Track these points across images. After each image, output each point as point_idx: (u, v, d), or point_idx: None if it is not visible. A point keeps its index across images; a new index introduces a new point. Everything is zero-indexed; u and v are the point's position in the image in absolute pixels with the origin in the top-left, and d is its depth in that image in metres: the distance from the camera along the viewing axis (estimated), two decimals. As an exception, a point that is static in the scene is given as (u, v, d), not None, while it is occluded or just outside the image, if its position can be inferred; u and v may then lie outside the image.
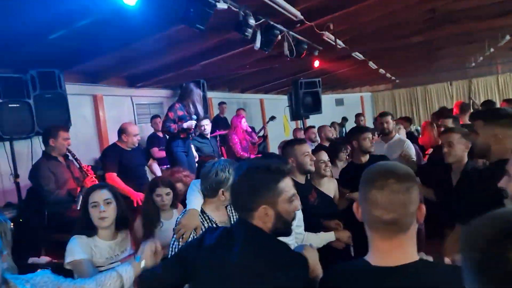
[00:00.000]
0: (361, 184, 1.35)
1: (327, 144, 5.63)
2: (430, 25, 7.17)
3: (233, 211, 2.51)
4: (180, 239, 2.31)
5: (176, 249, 2.32)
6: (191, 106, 5.38)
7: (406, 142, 4.90)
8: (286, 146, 3.30)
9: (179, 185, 3.81)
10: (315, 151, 3.51)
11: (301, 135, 7.37)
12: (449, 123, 4.79)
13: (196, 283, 1.67)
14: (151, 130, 6.99)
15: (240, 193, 1.62)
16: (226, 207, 2.51)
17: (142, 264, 2.13)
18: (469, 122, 5.20)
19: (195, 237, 2.26)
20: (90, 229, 2.45)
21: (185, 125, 5.13)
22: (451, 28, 7.23)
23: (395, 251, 1.29)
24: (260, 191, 1.57)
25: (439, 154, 3.55)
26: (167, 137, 6.82)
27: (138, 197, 4.25)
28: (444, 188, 3.34)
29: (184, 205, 3.62)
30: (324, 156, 3.53)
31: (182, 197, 3.76)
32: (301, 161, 3.10)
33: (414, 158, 4.73)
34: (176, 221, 2.44)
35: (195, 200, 2.45)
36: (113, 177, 4.56)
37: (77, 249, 2.37)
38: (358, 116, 9.82)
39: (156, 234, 3.18)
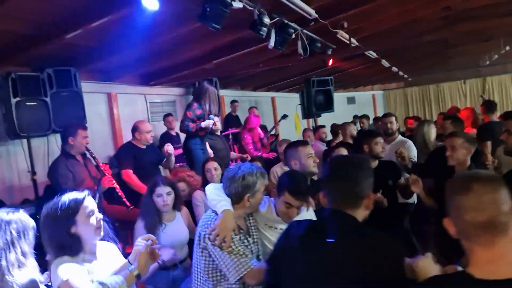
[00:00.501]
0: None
1: (350, 141, 5.60)
2: (445, 23, 7.10)
3: (251, 222, 2.41)
4: (223, 244, 2.15)
5: (221, 257, 2.17)
6: (206, 104, 5.39)
7: (407, 143, 4.85)
8: (289, 148, 3.20)
9: (182, 185, 3.82)
10: (336, 148, 3.52)
11: (311, 135, 7.35)
12: (447, 123, 4.77)
13: (285, 269, 1.75)
14: (165, 128, 7.03)
15: (353, 183, 1.68)
16: (244, 218, 2.41)
17: (136, 272, 2.11)
18: (497, 120, 5.17)
19: (233, 238, 2.17)
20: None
21: (203, 124, 5.15)
22: (466, 26, 7.14)
23: (500, 261, 1.22)
24: (369, 179, 1.71)
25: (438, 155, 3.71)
26: (180, 135, 6.87)
27: None
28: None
29: (189, 207, 3.64)
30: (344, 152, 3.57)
31: (186, 199, 3.80)
32: (304, 163, 3.05)
33: (414, 158, 4.65)
34: (201, 228, 2.27)
35: (226, 201, 2.28)
36: (129, 174, 4.59)
37: None
38: (361, 118, 9.47)
39: (158, 237, 3.07)
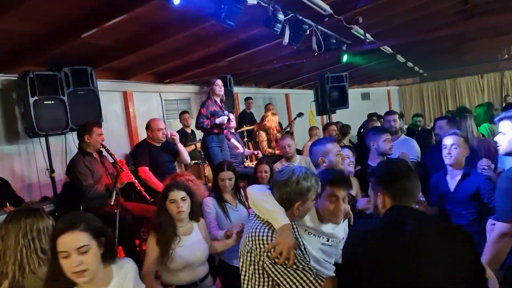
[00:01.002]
0: None
1: None
2: (461, 17, 6.99)
3: (295, 230, 2.17)
4: (286, 262, 1.91)
5: (285, 275, 1.93)
6: (218, 101, 5.38)
7: (411, 142, 4.77)
8: (317, 144, 3.11)
9: None
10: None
11: (318, 133, 7.29)
12: (443, 124, 4.70)
13: (383, 274, 1.70)
14: (180, 126, 7.07)
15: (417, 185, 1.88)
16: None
17: None
18: None
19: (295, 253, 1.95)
20: None
21: (217, 120, 5.16)
22: (483, 20, 7.02)
23: None
24: None
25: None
26: (195, 133, 6.91)
27: None
28: (440, 190, 3.47)
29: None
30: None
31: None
32: (333, 160, 3.01)
33: (418, 158, 4.58)
34: (253, 242, 1.99)
35: (280, 212, 2.02)
36: (145, 171, 4.63)
37: None
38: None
39: (174, 252, 2.78)
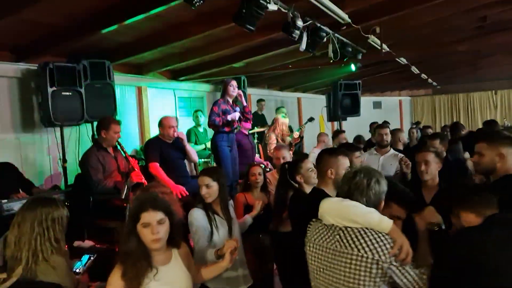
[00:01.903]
0: None
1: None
2: (479, 33, 6.98)
3: None
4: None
5: (409, 275, 1.87)
6: (230, 101, 5.44)
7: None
8: (328, 154, 2.93)
9: None
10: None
11: (326, 139, 7.19)
12: (437, 143, 4.64)
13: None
14: (193, 124, 7.12)
15: None
16: None
17: None
18: None
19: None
20: None
21: (229, 117, 5.21)
22: (500, 37, 7.01)
23: None
24: None
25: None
26: (207, 131, 6.95)
27: (178, 189, 4.33)
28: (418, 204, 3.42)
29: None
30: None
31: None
32: (341, 175, 2.78)
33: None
34: (374, 252, 1.86)
35: (378, 213, 1.99)
36: (156, 167, 4.66)
37: None
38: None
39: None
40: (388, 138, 4.83)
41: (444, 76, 12.47)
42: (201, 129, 7.06)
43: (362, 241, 1.89)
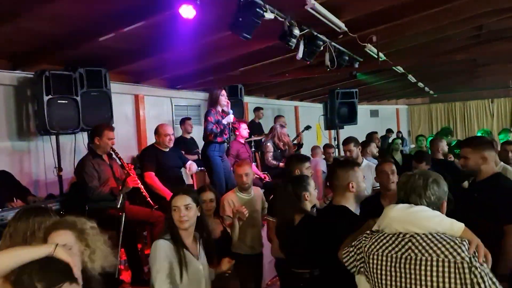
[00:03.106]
0: None
1: (441, 157, 5.39)
2: (476, 42, 7.02)
3: None
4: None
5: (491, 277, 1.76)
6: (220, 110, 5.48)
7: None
8: (343, 167, 2.71)
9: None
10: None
11: (319, 152, 7.19)
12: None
13: None
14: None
15: None
16: None
17: None
18: None
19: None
20: None
21: (224, 121, 5.27)
22: (497, 46, 7.05)
23: None
24: None
25: None
26: (195, 140, 6.92)
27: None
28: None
29: None
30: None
31: None
32: (361, 187, 2.70)
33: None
34: (465, 254, 1.76)
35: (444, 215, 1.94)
36: (151, 176, 4.66)
37: None
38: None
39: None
40: (352, 154, 4.74)
41: (440, 84, 12.54)
42: (188, 137, 6.98)
43: (440, 245, 1.81)
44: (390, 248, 1.92)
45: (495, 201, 2.80)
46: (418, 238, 1.86)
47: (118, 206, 3.60)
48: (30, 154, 4.95)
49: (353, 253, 2.07)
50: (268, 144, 6.56)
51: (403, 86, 11.20)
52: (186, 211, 2.56)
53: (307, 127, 8.12)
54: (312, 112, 11.02)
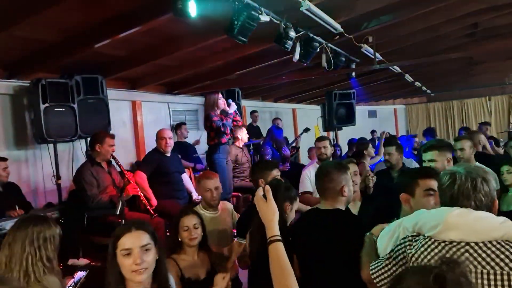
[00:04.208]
0: None
1: (480, 150, 5.28)
2: (471, 39, 7.03)
3: None
4: None
5: None
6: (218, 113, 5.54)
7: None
8: (338, 170, 2.53)
9: None
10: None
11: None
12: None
13: None
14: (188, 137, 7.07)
15: None
16: None
17: None
18: None
19: None
20: None
21: (230, 109, 5.43)
22: (492, 44, 7.06)
23: None
24: None
25: None
26: (192, 146, 6.93)
27: (154, 204, 4.34)
28: None
29: None
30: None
31: None
32: (352, 192, 2.59)
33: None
34: None
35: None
36: (141, 175, 4.61)
37: None
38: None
39: None
40: (327, 151, 4.48)
41: (437, 83, 12.55)
42: (185, 142, 6.98)
43: (502, 256, 1.59)
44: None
45: None
46: (476, 248, 1.64)
47: (117, 213, 3.58)
48: (28, 163, 4.93)
49: (391, 266, 1.81)
50: (266, 146, 6.57)
51: (400, 86, 11.20)
52: (143, 254, 1.87)
53: (306, 129, 8.12)
54: (310, 114, 11.03)
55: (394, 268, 1.79)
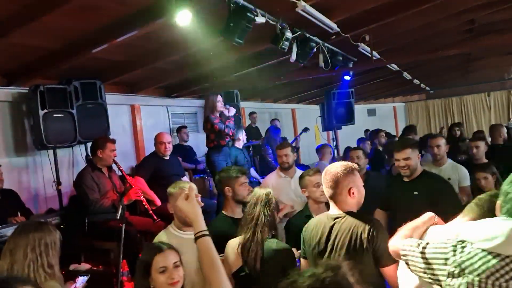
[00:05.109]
0: None
1: (501, 143, 5.38)
2: (469, 36, 7.03)
3: None
4: None
5: None
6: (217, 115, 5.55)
7: None
8: (347, 172, 2.44)
9: None
10: None
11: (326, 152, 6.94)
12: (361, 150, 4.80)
13: None
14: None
15: None
16: None
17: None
18: None
19: None
20: None
21: (230, 113, 5.47)
22: (490, 39, 7.05)
23: None
24: None
25: None
26: (193, 148, 6.94)
27: (159, 204, 4.33)
28: None
29: None
30: None
31: None
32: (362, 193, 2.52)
33: None
34: None
35: None
36: (139, 180, 4.61)
37: None
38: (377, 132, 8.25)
39: None
40: (289, 159, 4.26)
41: (436, 80, 12.55)
42: (186, 146, 7.00)
43: None
44: (498, 274, 1.50)
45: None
46: None
47: (118, 218, 3.58)
48: (28, 170, 4.94)
49: (421, 260, 1.71)
50: (267, 146, 6.58)
51: (399, 83, 11.21)
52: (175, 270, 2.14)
53: (305, 129, 8.13)
54: (309, 114, 11.04)
55: (422, 264, 1.69)
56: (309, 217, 3.10)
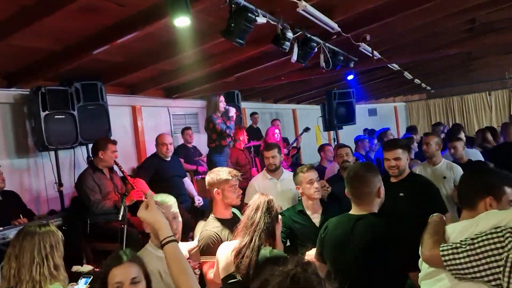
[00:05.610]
0: None
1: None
2: (469, 35, 7.03)
3: None
4: None
5: None
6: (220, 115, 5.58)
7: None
8: (373, 173, 2.48)
9: None
10: None
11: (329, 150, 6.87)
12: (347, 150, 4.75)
13: None
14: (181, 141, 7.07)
15: None
16: None
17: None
18: None
19: None
20: None
21: (231, 113, 5.51)
22: (490, 38, 7.05)
23: None
24: None
25: None
26: (197, 148, 6.95)
27: None
28: None
29: None
30: None
31: None
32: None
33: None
34: None
35: None
36: (141, 182, 4.62)
37: None
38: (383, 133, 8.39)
39: None
40: (276, 160, 4.16)
41: (437, 80, 12.53)
42: (190, 146, 6.99)
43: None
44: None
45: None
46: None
47: (120, 219, 3.58)
48: (30, 171, 4.94)
49: (473, 255, 1.73)
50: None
51: (400, 83, 11.20)
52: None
53: (306, 129, 8.12)
54: (310, 114, 11.03)
55: (475, 258, 1.70)
56: (302, 212, 3.36)
